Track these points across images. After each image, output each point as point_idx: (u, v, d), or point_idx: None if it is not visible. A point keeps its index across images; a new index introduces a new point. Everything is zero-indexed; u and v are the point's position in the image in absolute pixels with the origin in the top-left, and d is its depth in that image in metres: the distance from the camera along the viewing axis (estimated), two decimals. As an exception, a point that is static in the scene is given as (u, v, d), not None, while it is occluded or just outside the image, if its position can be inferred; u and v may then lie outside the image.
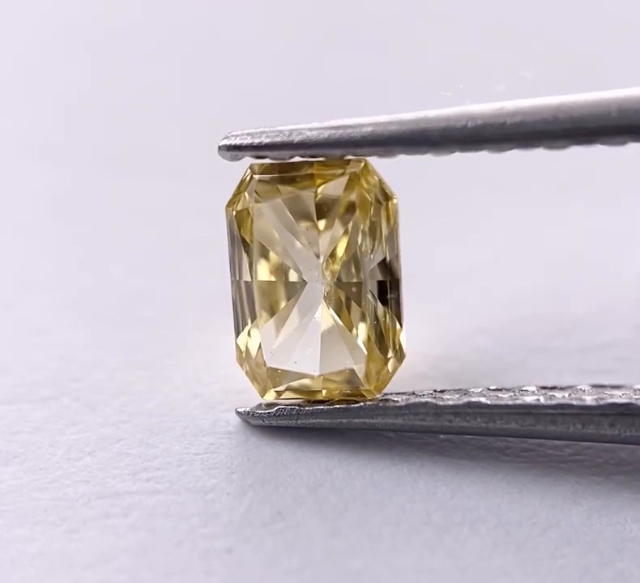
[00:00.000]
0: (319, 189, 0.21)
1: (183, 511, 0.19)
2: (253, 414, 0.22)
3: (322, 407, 0.21)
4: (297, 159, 0.21)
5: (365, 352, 0.21)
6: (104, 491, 0.20)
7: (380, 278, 0.21)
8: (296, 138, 0.20)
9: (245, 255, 0.21)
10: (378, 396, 0.21)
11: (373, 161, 0.21)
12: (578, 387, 0.21)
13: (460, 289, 0.27)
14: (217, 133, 0.22)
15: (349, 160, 0.21)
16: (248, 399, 0.22)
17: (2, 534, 0.19)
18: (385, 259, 0.21)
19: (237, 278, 0.21)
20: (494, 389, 0.21)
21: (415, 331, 0.24)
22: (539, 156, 0.19)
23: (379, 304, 0.21)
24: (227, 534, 0.19)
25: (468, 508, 0.19)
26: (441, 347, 0.25)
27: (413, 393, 0.21)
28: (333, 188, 0.21)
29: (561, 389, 0.20)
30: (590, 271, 0.28)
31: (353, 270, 0.21)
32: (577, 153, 0.19)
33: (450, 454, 0.21)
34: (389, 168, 0.22)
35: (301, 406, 0.21)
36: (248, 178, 0.21)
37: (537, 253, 0.29)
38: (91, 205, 0.33)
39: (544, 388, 0.20)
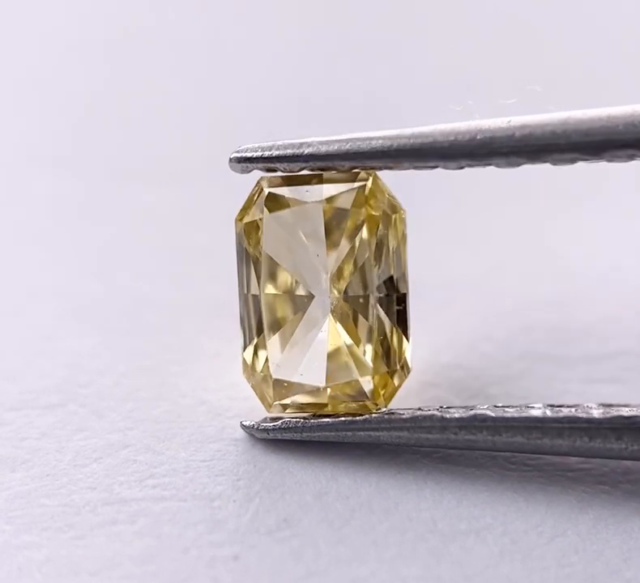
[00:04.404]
0: (328, 203, 0.21)
1: (189, 518, 0.19)
2: (258, 428, 0.22)
3: (327, 420, 0.21)
4: (307, 171, 0.21)
5: (371, 366, 0.21)
6: (111, 497, 0.20)
7: (387, 292, 0.21)
8: (306, 151, 0.20)
9: (252, 268, 0.21)
10: (384, 409, 0.21)
11: (382, 174, 0.21)
12: (585, 404, 0.20)
13: (466, 297, 0.27)
14: (227, 143, 0.22)
15: (358, 173, 0.21)
16: (254, 406, 0.22)
17: (9, 540, 0.19)
18: (392, 273, 0.21)
19: (245, 291, 0.21)
20: (500, 406, 0.21)
21: (420, 339, 0.24)
22: (546, 165, 0.19)
23: (386, 318, 0.21)
24: (233, 541, 0.19)
25: (474, 517, 0.19)
26: (446, 355, 0.25)
27: (419, 409, 0.21)
28: (342, 201, 0.21)
29: (568, 406, 0.20)
30: (596, 280, 0.28)
31: (360, 283, 0.21)
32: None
33: (456, 462, 0.21)
34: (397, 180, 0.22)
35: (306, 418, 0.21)
36: (257, 191, 0.21)
37: (543, 262, 0.29)
38: (100, 213, 0.33)
39: (551, 406, 0.20)
